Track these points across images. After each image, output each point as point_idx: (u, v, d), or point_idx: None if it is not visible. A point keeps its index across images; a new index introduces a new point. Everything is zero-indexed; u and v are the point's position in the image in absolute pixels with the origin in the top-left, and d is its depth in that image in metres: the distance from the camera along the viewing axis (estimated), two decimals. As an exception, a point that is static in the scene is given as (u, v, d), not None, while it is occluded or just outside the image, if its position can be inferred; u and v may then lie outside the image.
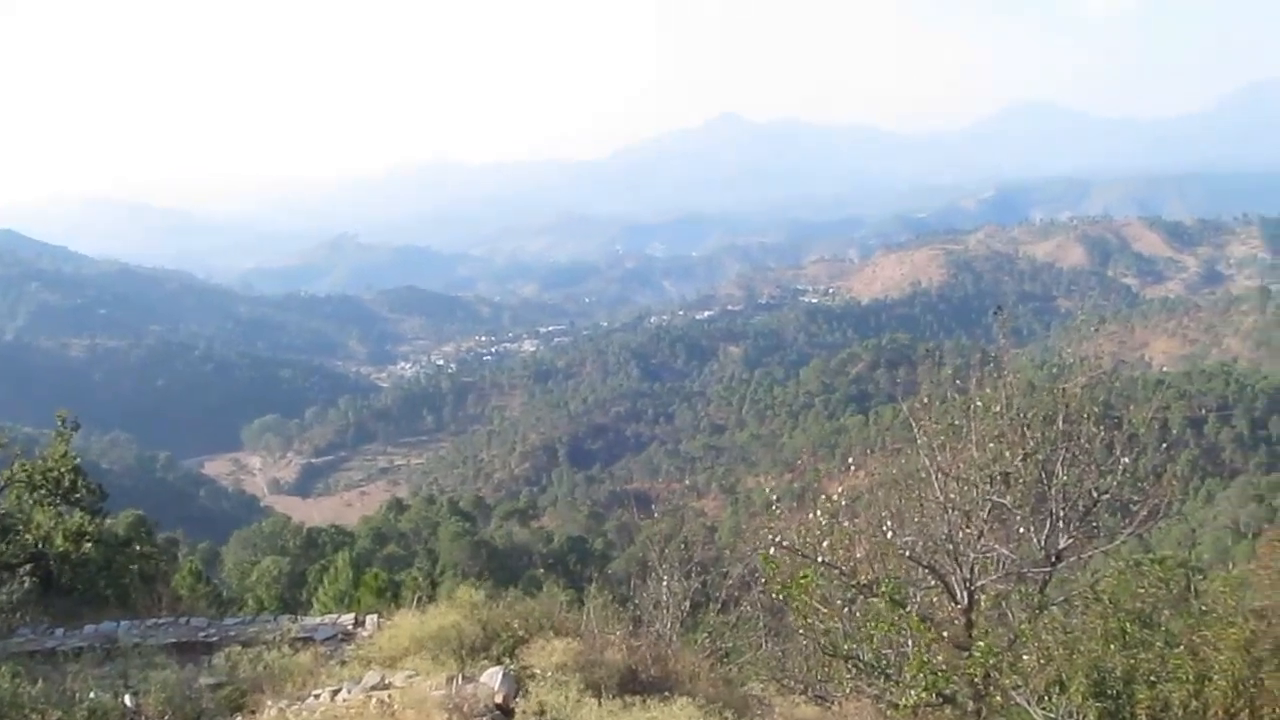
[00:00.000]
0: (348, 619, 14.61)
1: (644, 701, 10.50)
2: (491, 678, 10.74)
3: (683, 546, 18.91)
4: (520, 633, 12.31)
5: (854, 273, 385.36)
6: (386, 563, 57.59)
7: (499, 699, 10.42)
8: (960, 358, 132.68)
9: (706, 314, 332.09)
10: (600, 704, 10.28)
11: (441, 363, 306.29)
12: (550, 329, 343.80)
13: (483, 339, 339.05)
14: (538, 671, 10.96)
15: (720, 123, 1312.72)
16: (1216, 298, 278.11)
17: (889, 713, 12.18)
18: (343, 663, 12.50)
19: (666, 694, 10.85)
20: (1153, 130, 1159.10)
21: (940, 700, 12.48)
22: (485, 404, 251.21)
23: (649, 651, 12.58)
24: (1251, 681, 10.93)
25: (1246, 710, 10.87)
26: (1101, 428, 13.62)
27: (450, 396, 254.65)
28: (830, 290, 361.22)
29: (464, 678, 10.76)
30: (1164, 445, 15.12)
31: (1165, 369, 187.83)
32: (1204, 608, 12.35)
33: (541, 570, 69.22)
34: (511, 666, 11.17)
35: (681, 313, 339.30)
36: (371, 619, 14.17)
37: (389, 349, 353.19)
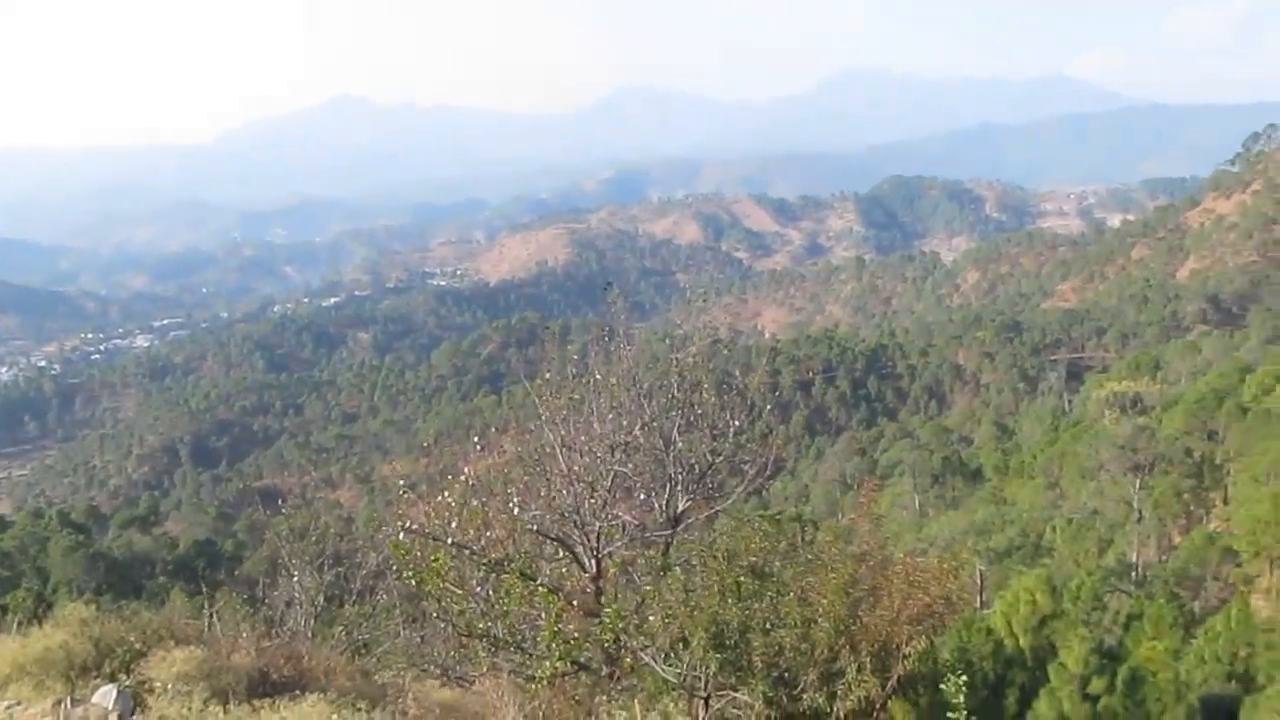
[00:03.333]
0: (-63, 652, 13.30)
1: (274, 703, 10.22)
2: (104, 696, 10.10)
3: (315, 541, 18.52)
4: (137, 646, 11.62)
5: (481, 254, 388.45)
6: (-12, 586, 53.08)
7: (113, 718, 9.82)
8: (586, 334, 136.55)
9: (333, 301, 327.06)
10: (226, 710, 9.95)
11: (43, 364, 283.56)
12: (165, 323, 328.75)
13: (89, 336, 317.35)
14: (158, 685, 10.41)
15: (339, 105, 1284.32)
16: (819, 268, 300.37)
17: (527, 686, 12.33)
18: (-69, 702, 11.39)
19: (298, 693, 10.59)
20: (758, 113, 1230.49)
21: (575, 668, 12.81)
22: (96, 406, 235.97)
23: (280, 651, 12.24)
24: (851, 620, 11.87)
25: (847, 647, 11.79)
26: (713, 395, 14.35)
27: (55, 400, 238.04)
28: (459, 272, 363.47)
29: (73, 700, 10.08)
30: (770, 408, 16.10)
31: (776, 336, 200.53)
32: (810, 557, 13.22)
33: (165, 579, 65.76)
34: (127, 682, 10.55)
35: (307, 300, 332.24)
36: (-34, 649, 12.97)
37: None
